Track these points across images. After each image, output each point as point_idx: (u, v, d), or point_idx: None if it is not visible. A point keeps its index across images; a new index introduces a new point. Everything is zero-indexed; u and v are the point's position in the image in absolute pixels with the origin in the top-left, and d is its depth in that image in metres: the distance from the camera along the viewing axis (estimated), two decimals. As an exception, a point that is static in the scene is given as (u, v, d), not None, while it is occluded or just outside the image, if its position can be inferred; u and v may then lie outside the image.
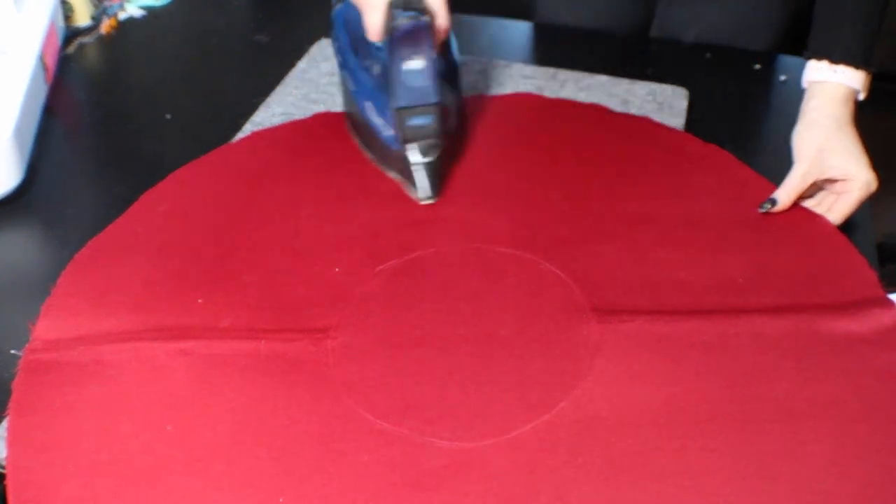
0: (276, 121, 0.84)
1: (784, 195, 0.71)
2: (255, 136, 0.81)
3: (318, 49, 0.95)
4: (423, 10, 0.67)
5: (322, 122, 0.83)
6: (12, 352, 0.60)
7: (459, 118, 0.80)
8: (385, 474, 0.52)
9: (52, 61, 0.89)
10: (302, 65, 0.92)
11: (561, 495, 0.51)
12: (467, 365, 0.59)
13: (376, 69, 0.73)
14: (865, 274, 0.65)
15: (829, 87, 0.72)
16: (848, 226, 0.70)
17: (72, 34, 0.98)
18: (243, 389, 0.57)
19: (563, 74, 0.89)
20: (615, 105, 0.85)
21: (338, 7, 0.80)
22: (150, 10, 1.04)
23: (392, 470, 0.53)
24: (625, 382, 0.58)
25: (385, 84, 0.71)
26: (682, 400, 0.56)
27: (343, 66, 0.79)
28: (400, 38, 0.67)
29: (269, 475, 0.52)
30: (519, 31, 1.02)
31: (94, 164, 0.81)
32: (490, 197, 0.74)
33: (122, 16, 1.03)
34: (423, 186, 0.73)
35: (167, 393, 0.57)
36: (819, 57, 0.73)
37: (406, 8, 0.67)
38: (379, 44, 0.71)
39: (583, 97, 0.86)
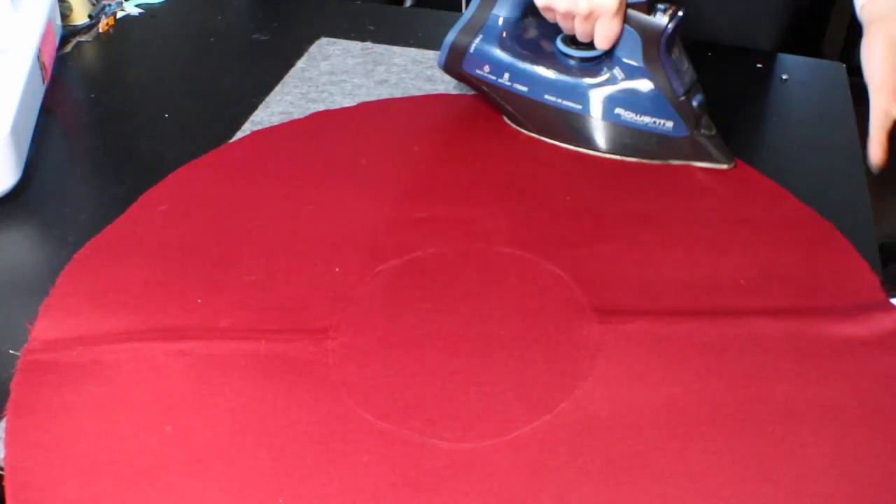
0: (276, 120, 0.83)
1: (878, 152, 0.66)
2: (255, 135, 0.81)
3: (317, 48, 0.94)
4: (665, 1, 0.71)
5: (322, 122, 0.83)
6: (10, 352, 0.60)
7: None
8: (385, 475, 0.52)
9: (49, 60, 0.89)
10: (301, 64, 0.92)
11: (561, 496, 0.51)
12: (467, 365, 0.59)
13: (619, 74, 0.74)
14: (867, 277, 0.65)
15: (882, 3, 0.69)
16: (849, 226, 0.70)
17: (69, 33, 0.98)
18: (243, 390, 0.57)
19: (563, 74, 0.89)
20: (615, 104, 0.85)
21: (475, 42, 0.79)
22: (148, 9, 1.04)
23: (392, 470, 0.52)
24: (625, 383, 0.58)
25: (637, 85, 0.73)
26: (683, 401, 0.56)
27: (535, 94, 0.78)
28: (670, 34, 0.71)
29: (269, 476, 0.52)
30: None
31: (91, 163, 0.81)
32: (490, 197, 0.74)
33: (119, 14, 1.02)
34: (724, 154, 0.75)
35: (166, 393, 0.57)
36: None
37: (655, 2, 0.71)
38: (595, 52, 0.73)
39: (583, 97, 0.86)
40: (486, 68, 0.79)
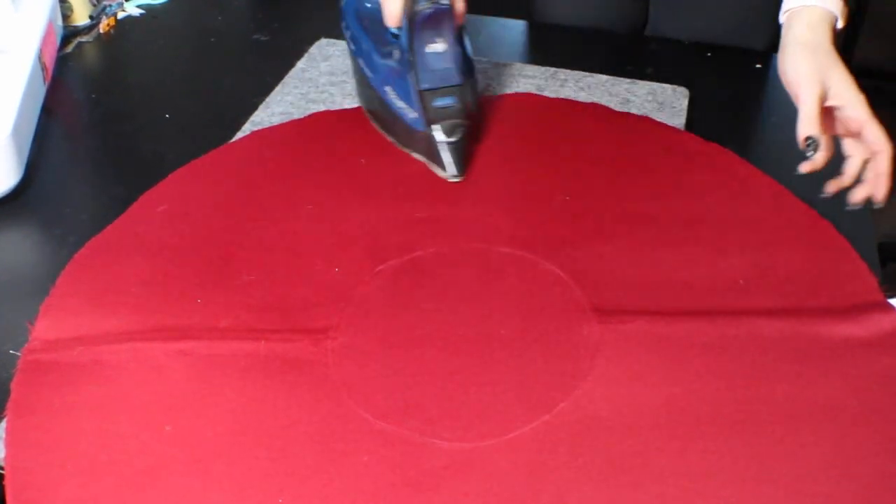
0: (276, 120, 0.83)
1: (813, 128, 0.66)
2: (255, 135, 0.81)
3: (317, 49, 0.95)
4: None
5: (321, 122, 0.83)
6: (11, 352, 0.60)
7: (477, 103, 0.81)
8: (385, 474, 0.52)
9: (50, 61, 0.89)
10: (301, 64, 0.92)
11: (561, 496, 0.51)
12: (467, 365, 0.59)
13: (396, 55, 0.74)
14: (866, 278, 0.65)
15: (808, 11, 0.70)
16: (848, 226, 0.70)
17: (70, 33, 0.98)
18: (243, 390, 0.57)
19: (564, 74, 0.89)
20: (616, 105, 0.85)
21: (345, 3, 0.81)
22: (149, 10, 1.04)
23: (392, 470, 0.52)
24: (625, 383, 0.58)
25: (405, 69, 0.72)
26: (682, 401, 0.56)
27: (357, 53, 0.80)
28: (423, 23, 0.69)
29: (269, 476, 0.52)
30: (519, 30, 1.02)
31: (92, 163, 0.81)
32: (490, 197, 0.74)
33: (120, 15, 1.02)
34: (449, 165, 0.75)
35: (166, 393, 0.57)
36: None
37: None
38: (395, 30, 0.72)
39: (583, 97, 0.86)
40: (348, 33, 0.82)
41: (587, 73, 0.89)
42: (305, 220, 0.71)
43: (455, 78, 0.73)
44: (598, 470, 0.52)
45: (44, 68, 0.86)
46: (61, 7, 0.96)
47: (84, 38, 0.98)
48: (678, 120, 0.83)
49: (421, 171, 0.77)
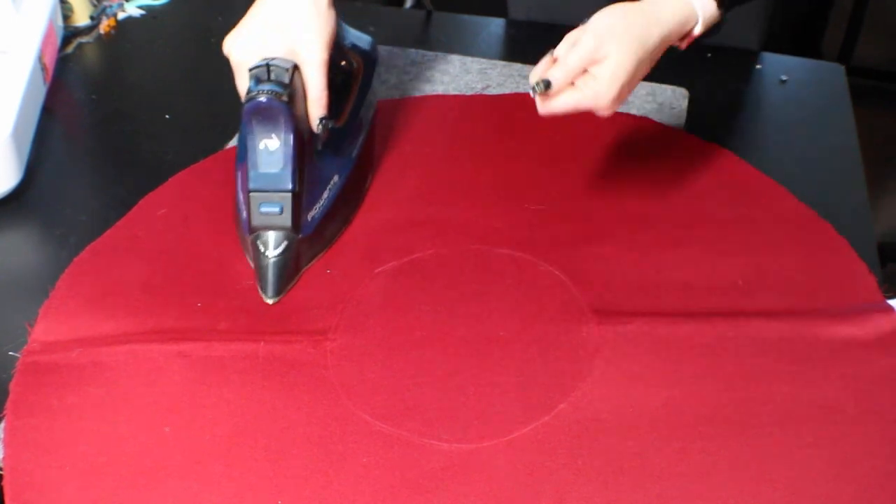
0: (276, 121, 0.83)
1: (559, 73, 0.62)
2: (254, 136, 0.81)
3: (317, 49, 0.94)
4: (284, 84, 0.61)
5: (321, 123, 0.83)
6: (10, 353, 0.60)
7: (360, 181, 0.74)
8: (384, 476, 0.52)
9: (50, 61, 0.89)
10: (301, 65, 0.92)
11: (561, 497, 0.51)
12: (466, 366, 0.59)
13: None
14: (865, 279, 0.65)
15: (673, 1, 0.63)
16: (848, 226, 0.70)
17: (70, 34, 0.98)
18: (242, 391, 0.57)
19: (563, 75, 0.89)
20: (615, 105, 0.85)
21: None
22: (150, 10, 1.04)
23: (391, 472, 0.52)
24: (624, 384, 0.58)
25: (241, 161, 0.65)
26: (682, 402, 0.56)
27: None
28: (251, 113, 0.62)
29: (268, 477, 0.52)
30: (518, 30, 1.02)
31: (92, 164, 0.81)
32: (489, 198, 0.74)
33: (121, 16, 1.03)
34: (266, 283, 0.64)
35: (165, 395, 0.57)
36: None
37: (264, 80, 0.61)
38: None
39: (582, 97, 0.86)
40: None
41: (587, 74, 0.89)
42: (305, 221, 0.71)
43: (285, 183, 0.63)
44: (598, 471, 0.52)
45: (44, 69, 0.86)
46: (62, 8, 0.96)
47: (84, 39, 0.98)
48: (678, 121, 0.83)
49: (420, 173, 0.77)
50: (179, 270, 0.67)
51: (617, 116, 0.83)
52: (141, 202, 0.73)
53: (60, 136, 0.84)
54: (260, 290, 0.64)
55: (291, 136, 0.63)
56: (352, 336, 0.61)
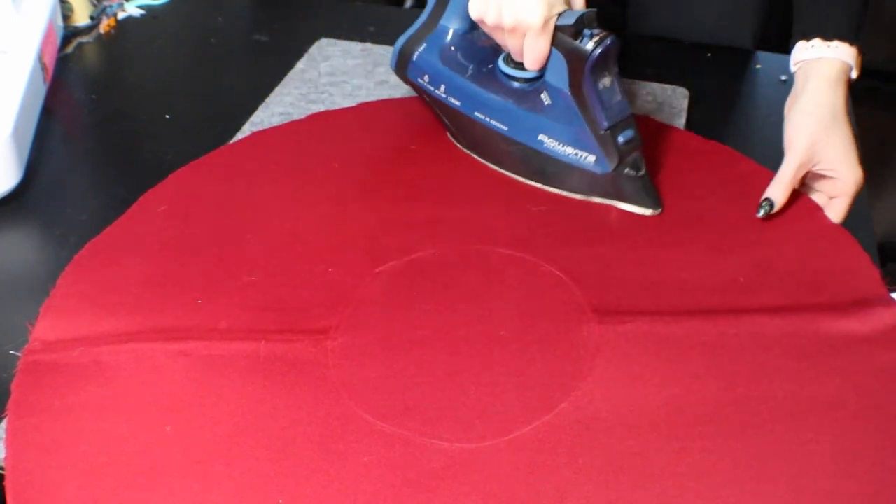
0: (276, 121, 0.83)
1: (778, 193, 0.69)
2: (255, 136, 0.81)
3: (317, 49, 0.95)
4: (594, 24, 0.66)
5: (321, 123, 0.83)
6: (11, 352, 0.60)
7: None
8: (385, 475, 0.52)
9: (50, 61, 0.89)
10: (301, 65, 0.92)
11: (561, 496, 0.51)
12: (467, 366, 0.59)
13: (545, 99, 0.70)
14: (868, 272, 0.65)
15: (824, 65, 0.69)
16: (849, 226, 0.70)
17: (71, 34, 0.98)
18: (243, 390, 0.57)
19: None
20: (615, 105, 0.85)
21: (419, 51, 0.77)
22: (150, 10, 1.04)
23: (392, 471, 0.52)
24: (625, 383, 0.58)
25: (564, 113, 0.69)
26: (683, 401, 0.56)
27: (466, 108, 0.75)
28: (594, 64, 0.66)
29: (269, 476, 0.52)
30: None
31: (92, 164, 0.81)
32: (490, 197, 0.74)
33: (121, 15, 1.02)
34: (648, 200, 0.71)
35: (166, 394, 0.57)
36: (809, 36, 0.70)
37: (582, 27, 0.66)
38: (532, 73, 0.70)
39: (583, 97, 0.86)
40: (426, 78, 0.77)
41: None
42: (305, 221, 0.71)
43: (628, 108, 0.69)
44: (599, 470, 0.52)
45: (44, 68, 0.86)
46: (62, 7, 0.96)
47: (84, 39, 0.98)
48: (678, 120, 0.83)
49: (420, 173, 0.77)
50: (180, 268, 0.67)
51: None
52: (141, 199, 0.73)
53: (60, 136, 0.84)
54: (646, 210, 0.71)
55: (616, 69, 0.68)
56: (353, 335, 0.61)
